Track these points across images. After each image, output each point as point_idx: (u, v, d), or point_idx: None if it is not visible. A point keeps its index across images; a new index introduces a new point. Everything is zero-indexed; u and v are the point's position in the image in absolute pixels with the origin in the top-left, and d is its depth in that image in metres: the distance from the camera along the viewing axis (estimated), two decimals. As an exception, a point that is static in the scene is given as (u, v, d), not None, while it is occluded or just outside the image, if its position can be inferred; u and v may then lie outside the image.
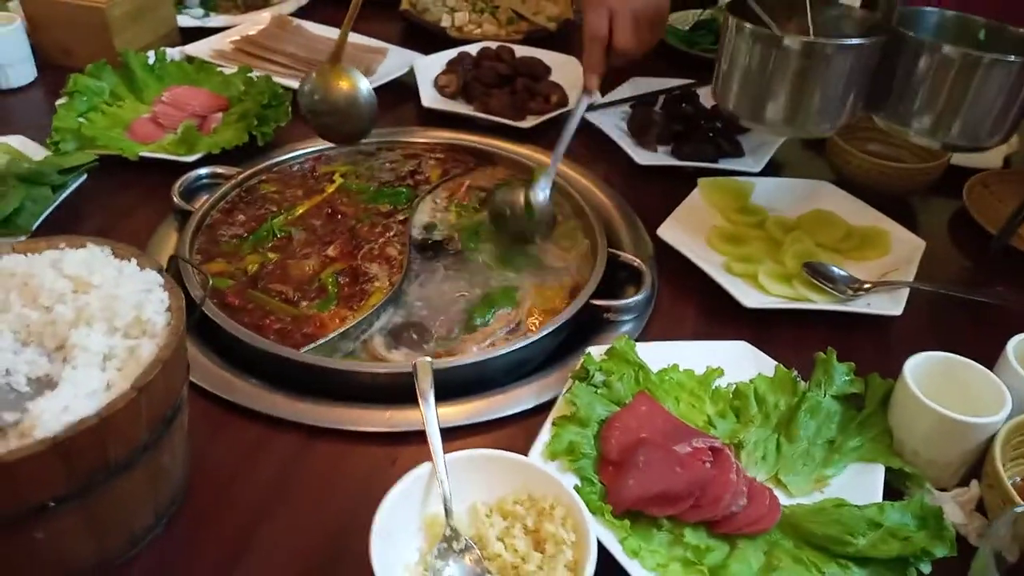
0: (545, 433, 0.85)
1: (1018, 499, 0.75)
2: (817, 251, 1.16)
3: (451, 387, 0.92)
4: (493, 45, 1.66)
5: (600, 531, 0.75)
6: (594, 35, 1.14)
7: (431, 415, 0.80)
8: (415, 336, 1.03)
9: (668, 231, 1.17)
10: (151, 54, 1.51)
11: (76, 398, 0.66)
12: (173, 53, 1.56)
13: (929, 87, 1.03)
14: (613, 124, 1.45)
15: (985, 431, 0.82)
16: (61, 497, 0.65)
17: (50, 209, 1.15)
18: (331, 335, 0.99)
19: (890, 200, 1.28)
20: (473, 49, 1.64)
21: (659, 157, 1.39)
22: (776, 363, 0.95)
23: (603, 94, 1.50)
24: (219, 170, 1.27)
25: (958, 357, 0.88)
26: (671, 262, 1.15)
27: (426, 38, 1.77)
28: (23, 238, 1.11)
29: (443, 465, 0.75)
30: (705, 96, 1.52)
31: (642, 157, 1.37)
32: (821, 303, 1.07)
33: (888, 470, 0.85)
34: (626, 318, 1.06)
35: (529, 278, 1.12)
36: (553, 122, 1.46)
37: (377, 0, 1.79)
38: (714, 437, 0.84)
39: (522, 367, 1.00)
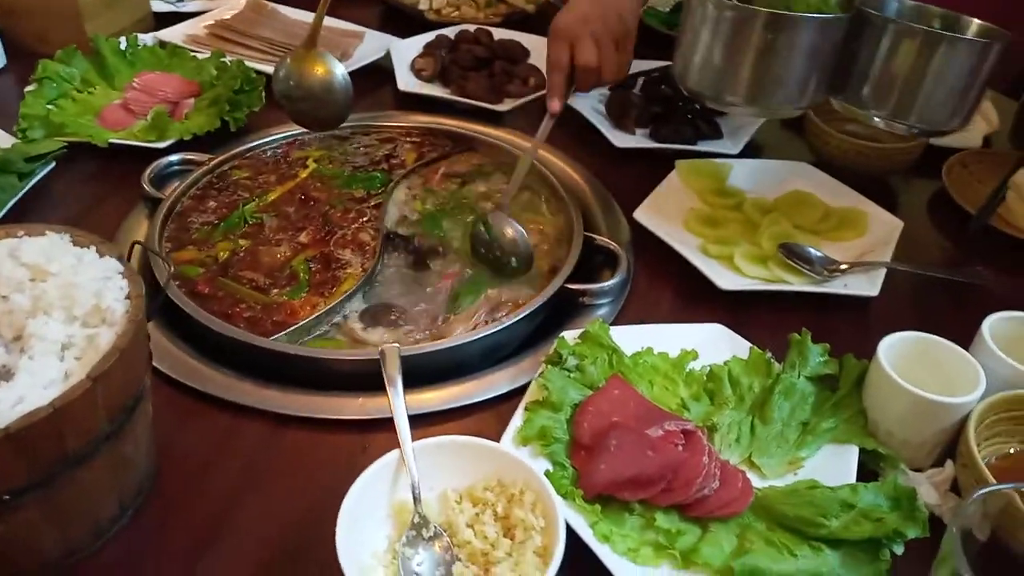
0: (517, 418, 0.84)
1: (992, 479, 0.75)
2: (794, 233, 1.15)
3: (425, 373, 0.91)
4: (471, 28, 1.64)
5: (571, 516, 0.74)
6: (555, 65, 1.14)
7: (398, 401, 0.79)
8: (393, 316, 1.02)
9: (644, 214, 1.16)
10: (123, 39, 1.49)
11: (33, 389, 0.65)
12: (146, 38, 1.54)
13: (889, 68, 1.03)
14: (591, 107, 1.43)
15: (959, 411, 0.81)
16: (19, 489, 0.64)
17: (16, 198, 1.14)
18: (300, 323, 0.98)
19: (869, 181, 1.28)
20: (451, 32, 1.62)
21: (637, 140, 1.38)
22: (751, 345, 0.95)
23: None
24: (190, 156, 1.25)
25: (932, 337, 0.88)
26: (648, 245, 1.14)
27: (404, 21, 1.75)
28: (-12, 227, 1.09)
29: (411, 451, 0.74)
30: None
31: (620, 140, 1.36)
32: (797, 284, 1.07)
33: (862, 451, 0.84)
34: (602, 302, 1.05)
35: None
36: (532, 105, 1.44)
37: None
38: (687, 420, 0.83)
39: (496, 352, 0.99)
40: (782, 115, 1.35)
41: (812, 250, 1.09)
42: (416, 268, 1.10)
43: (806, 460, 0.84)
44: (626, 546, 0.73)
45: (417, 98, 1.47)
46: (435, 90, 1.49)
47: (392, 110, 1.46)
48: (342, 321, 1.01)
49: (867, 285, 1.05)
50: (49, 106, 1.33)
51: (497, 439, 0.82)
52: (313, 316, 0.99)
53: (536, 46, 1.60)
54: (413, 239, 1.14)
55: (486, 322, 1.01)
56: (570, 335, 0.93)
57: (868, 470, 0.84)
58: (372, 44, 1.61)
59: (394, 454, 0.74)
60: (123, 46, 1.48)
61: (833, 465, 0.82)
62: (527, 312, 1.00)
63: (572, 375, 0.88)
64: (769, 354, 0.93)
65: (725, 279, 1.05)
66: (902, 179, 1.37)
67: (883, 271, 1.07)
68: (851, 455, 0.83)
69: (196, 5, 1.75)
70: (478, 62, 1.54)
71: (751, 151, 1.37)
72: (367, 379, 0.90)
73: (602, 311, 1.05)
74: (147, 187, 1.17)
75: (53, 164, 1.21)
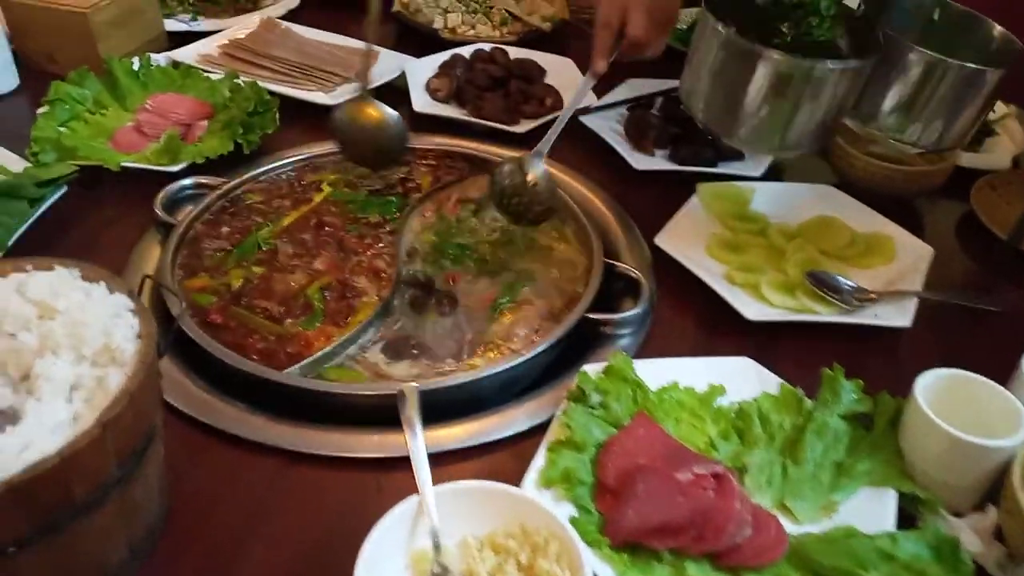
0: (539, 459, 0.81)
1: (1038, 527, 0.72)
2: (820, 259, 1.12)
3: (441, 408, 0.89)
4: (487, 47, 1.62)
5: (598, 564, 0.71)
6: (606, 23, 1.13)
7: (418, 445, 0.76)
8: (415, 350, 0.99)
9: (666, 239, 1.13)
10: (136, 60, 1.47)
11: (40, 433, 0.62)
12: (159, 59, 1.52)
13: (899, 89, 1.03)
14: (609, 127, 1.41)
15: (1001, 454, 0.78)
16: (22, 540, 0.61)
17: (27, 224, 1.12)
18: (315, 355, 0.95)
19: (893, 203, 1.24)
20: (466, 51, 1.60)
21: (656, 161, 1.35)
22: (780, 380, 0.91)
23: (599, 96, 1.47)
24: (203, 180, 1.23)
25: (971, 374, 0.84)
26: (669, 272, 1.11)
27: (419, 40, 1.73)
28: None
29: (432, 498, 0.71)
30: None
31: (639, 161, 1.33)
32: (825, 315, 1.03)
33: (900, 494, 0.81)
34: (623, 332, 1.02)
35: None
36: (548, 126, 1.41)
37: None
38: (717, 461, 0.80)
39: (514, 386, 0.96)
40: (793, 155, 1.33)
41: (841, 279, 1.06)
42: (437, 311, 1.07)
43: (841, 504, 0.81)
44: (655, 597, 0.70)
45: (432, 119, 1.45)
46: (451, 111, 1.46)
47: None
48: (359, 354, 0.98)
49: (898, 315, 1.02)
50: (61, 128, 1.31)
51: (516, 479, 0.79)
52: (327, 348, 0.96)
53: (552, 65, 1.57)
54: (430, 283, 1.10)
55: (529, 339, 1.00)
56: (592, 369, 0.90)
57: (905, 513, 0.81)
58: (387, 64, 1.58)
59: (413, 500, 0.71)
60: (136, 67, 1.46)
61: (870, 509, 0.79)
62: (546, 345, 0.97)
63: (596, 412, 0.85)
64: (800, 390, 0.90)
65: (752, 309, 1.02)
66: (927, 201, 1.34)
67: (915, 301, 1.04)
68: (889, 499, 0.80)
69: (210, 24, 1.74)
70: (493, 82, 1.51)
71: (773, 173, 1.34)
72: (382, 414, 0.87)
73: (624, 341, 1.02)
74: (159, 212, 1.15)
75: (64, 188, 1.19)
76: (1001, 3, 1.12)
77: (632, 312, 1.02)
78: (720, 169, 1.32)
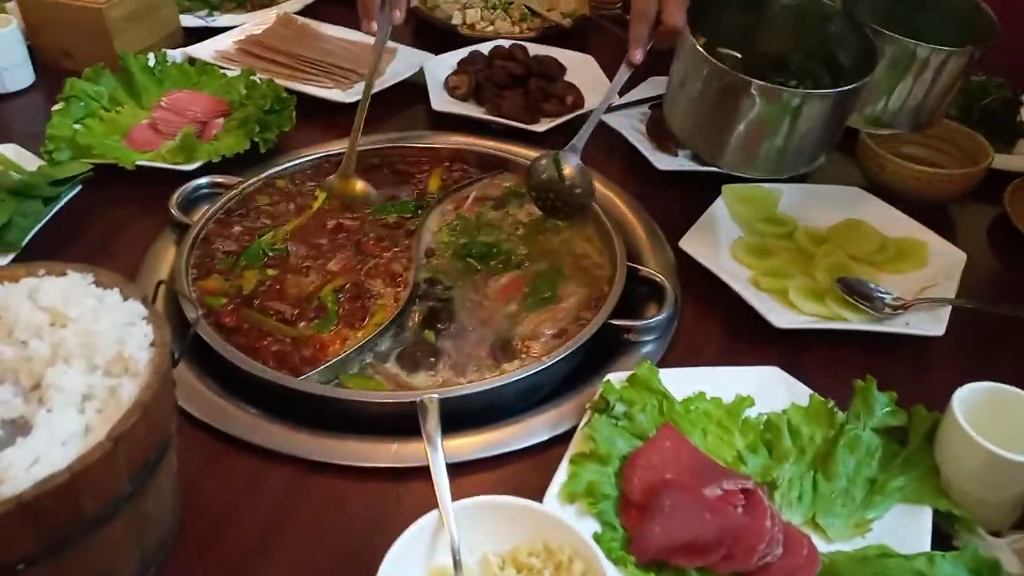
0: (562, 472, 0.79)
1: (1082, 550, 0.69)
2: (850, 264, 1.09)
3: (459, 416, 0.86)
4: (506, 44, 1.59)
5: (622, 583, 0.69)
6: (641, 12, 1.10)
7: (438, 459, 0.74)
8: (431, 358, 0.97)
9: (690, 243, 1.11)
10: (152, 56, 1.46)
11: (50, 445, 0.61)
12: (175, 55, 1.50)
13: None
14: (631, 126, 1.38)
15: (1043, 472, 0.75)
16: (31, 557, 0.59)
17: (42, 223, 1.10)
18: (330, 361, 0.93)
19: (922, 206, 1.21)
20: (485, 48, 1.57)
21: (680, 162, 1.32)
22: (811, 392, 0.88)
23: (620, 94, 1.44)
24: (219, 179, 1.21)
25: (1010, 388, 0.81)
26: (694, 276, 1.09)
27: (437, 36, 1.70)
28: (12, 256, 1.06)
29: (452, 514, 0.69)
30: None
31: (662, 162, 1.30)
32: (856, 323, 1.00)
33: (935, 512, 0.78)
34: (647, 339, 1.00)
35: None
36: (568, 125, 1.39)
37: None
38: (746, 476, 0.77)
39: (535, 394, 0.94)
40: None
41: (872, 286, 1.03)
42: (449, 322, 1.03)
43: (874, 522, 0.78)
44: (683, 619, 0.68)
45: (449, 117, 1.42)
46: (469, 109, 1.44)
47: (425, 130, 1.41)
48: (376, 361, 0.96)
49: (931, 324, 0.99)
50: (76, 126, 1.30)
51: (538, 492, 0.77)
52: (344, 354, 0.94)
53: (573, 62, 1.55)
54: (445, 293, 1.07)
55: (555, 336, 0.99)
56: (616, 378, 0.88)
57: (940, 531, 0.78)
58: (405, 60, 1.56)
59: (432, 515, 0.69)
60: (152, 63, 1.45)
61: (905, 528, 0.76)
62: (567, 351, 0.94)
63: (620, 423, 0.82)
64: (831, 402, 0.87)
65: (780, 316, 0.99)
66: (958, 204, 1.30)
67: (948, 309, 1.01)
68: (924, 518, 0.77)
69: (226, 20, 1.72)
70: (513, 79, 1.48)
71: (799, 175, 1.31)
72: (401, 422, 0.85)
73: (647, 348, 0.99)
74: (175, 212, 1.13)
75: (79, 187, 1.17)
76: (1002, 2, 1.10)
77: (656, 318, 1.00)
78: (745, 170, 1.29)
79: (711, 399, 0.87)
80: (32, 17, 1.54)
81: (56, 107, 1.32)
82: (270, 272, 1.07)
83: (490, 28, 1.73)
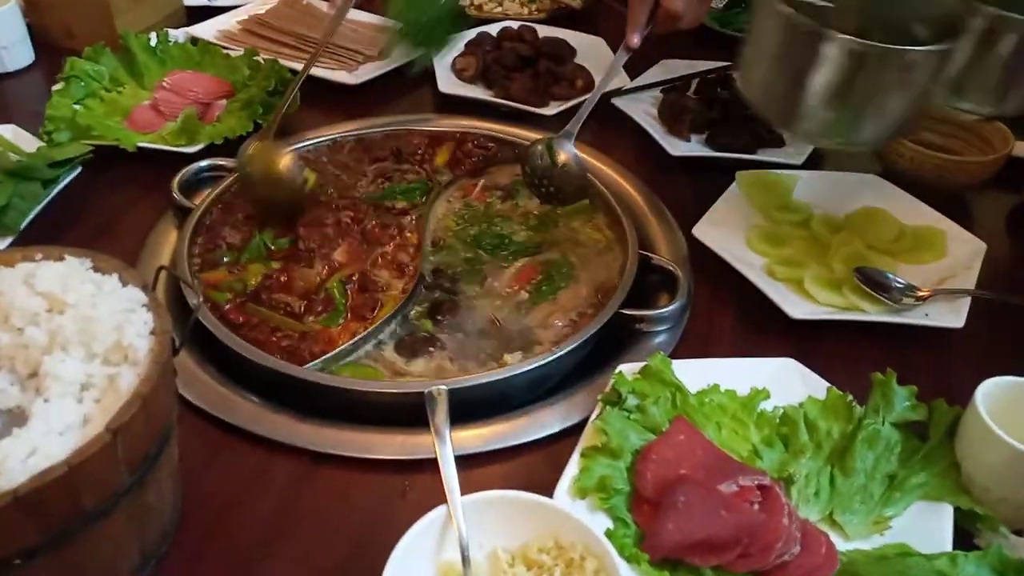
0: (573, 466, 0.77)
1: (1109, 550, 0.67)
2: (867, 253, 1.06)
3: (468, 407, 0.84)
4: (515, 25, 1.56)
5: (636, 582, 0.67)
6: None
7: (447, 453, 0.72)
8: (431, 348, 0.95)
9: (704, 230, 1.08)
10: (153, 36, 1.43)
11: (47, 436, 0.59)
12: (177, 35, 1.47)
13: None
14: (643, 111, 1.35)
15: (1068, 470, 0.73)
16: (30, 551, 0.57)
17: (41, 206, 1.08)
18: (337, 349, 0.91)
19: (939, 194, 1.18)
20: (493, 29, 1.54)
21: (693, 147, 1.29)
22: (828, 384, 0.86)
23: (632, 77, 1.41)
24: (221, 162, 1.18)
25: (1033, 382, 0.79)
26: (707, 265, 1.06)
27: (443, 17, 1.67)
28: (10, 239, 1.04)
29: (460, 509, 0.67)
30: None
31: (674, 147, 1.28)
32: (873, 313, 0.98)
33: (956, 509, 0.76)
34: (659, 328, 0.98)
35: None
36: (578, 108, 1.35)
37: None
38: (762, 472, 0.75)
39: (544, 384, 0.92)
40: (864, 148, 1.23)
41: (891, 276, 1.00)
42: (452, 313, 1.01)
43: (893, 519, 0.76)
44: (697, 618, 0.66)
45: (457, 100, 1.40)
46: (477, 92, 1.41)
47: (432, 113, 1.38)
48: (376, 352, 0.94)
49: (951, 315, 0.97)
50: (76, 106, 1.27)
51: (548, 485, 0.75)
52: (351, 343, 0.92)
53: (583, 44, 1.51)
54: (452, 284, 1.04)
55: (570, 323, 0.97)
56: (628, 370, 0.85)
57: (961, 529, 0.76)
58: (411, 42, 1.53)
59: (440, 511, 0.67)
60: (153, 43, 1.42)
61: (925, 526, 0.74)
62: (578, 341, 0.92)
63: (632, 416, 0.80)
64: (849, 396, 0.84)
65: (795, 306, 0.97)
66: (976, 192, 1.27)
67: (967, 300, 0.98)
68: (945, 516, 0.75)
69: (229, -1, 1.69)
70: (522, 61, 1.45)
71: (815, 161, 1.28)
72: (408, 413, 0.83)
73: (659, 339, 0.97)
74: (176, 195, 1.11)
75: (79, 169, 1.15)
76: None
77: (669, 308, 0.98)
78: (759, 156, 1.26)
79: (725, 391, 0.85)
80: (32, -5, 1.51)
81: (56, 87, 1.30)
82: (274, 264, 1.04)
83: (499, 9, 1.70)
